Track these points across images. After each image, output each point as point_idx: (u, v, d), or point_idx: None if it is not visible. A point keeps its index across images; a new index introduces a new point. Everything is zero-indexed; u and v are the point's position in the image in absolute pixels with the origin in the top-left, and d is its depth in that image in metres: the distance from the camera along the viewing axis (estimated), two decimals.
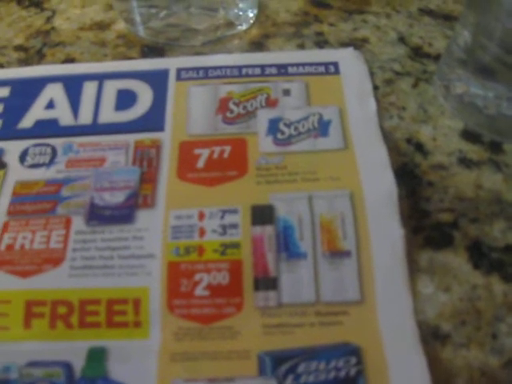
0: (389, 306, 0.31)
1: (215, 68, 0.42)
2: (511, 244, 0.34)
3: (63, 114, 0.40)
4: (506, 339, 0.30)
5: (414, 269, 0.33)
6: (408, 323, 0.30)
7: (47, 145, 0.38)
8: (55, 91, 0.41)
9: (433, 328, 0.31)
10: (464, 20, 0.38)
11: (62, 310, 0.31)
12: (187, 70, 0.42)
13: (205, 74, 0.42)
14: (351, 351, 0.29)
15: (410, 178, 0.37)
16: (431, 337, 0.31)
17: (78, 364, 0.29)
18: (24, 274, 0.32)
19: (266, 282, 0.32)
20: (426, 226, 0.35)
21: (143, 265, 0.33)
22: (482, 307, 0.32)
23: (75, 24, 0.49)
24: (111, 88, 0.41)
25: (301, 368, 0.29)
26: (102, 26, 0.48)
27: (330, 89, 0.40)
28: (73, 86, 0.42)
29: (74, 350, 0.30)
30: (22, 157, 0.38)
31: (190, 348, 0.30)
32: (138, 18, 0.45)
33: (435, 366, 0.29)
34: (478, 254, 0.34)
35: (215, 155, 0.37)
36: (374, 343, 0.29)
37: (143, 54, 0.46)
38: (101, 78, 0.42)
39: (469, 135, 0.39)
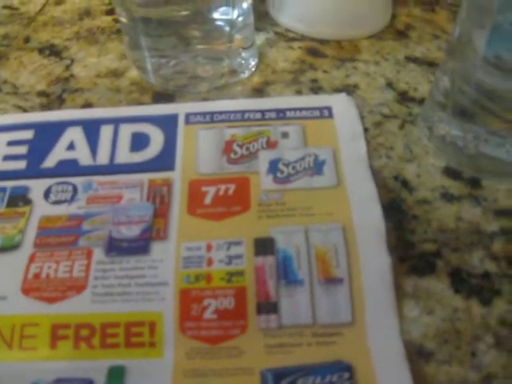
0: (378, 328, 0.32)
1: (220, 113, 0.43)
2: (488, 271, 0.35)
3: (83, 155, 0.41)
4: (484, 356, 0.32)
5: (400, 294, 0.34)
6: (395, 342, 0.31)
7: (69, 183, 0.40)
8: (75, 134, 0.43)
9: (418, 347, 0.32)
10: (444, 66, 0.39)
11: (84, 332, 0.32)
12: (195, 114, 0.43)
13: (211, 118, 0.43)
14: (344, 368, 0.30)
15: (397, 212, 0.38)
16: (416, 355, 0.32)
17: (100, 381, 0.30)
18: (50, 300, 0.33)
19: (268, 306, 0.33)
20: (411, 255, 0.36)
21: (158, 291, 0.33)
22: (462, 328, 0.33)
23: (92, 71, 0.51)
24: (126, 131, 0.43)
25: (299, 383, 0.30)
26: (116, 74, 0.51)
27: (324, 131, 0.42)
28: (91, 129, 0.43)
29: (96, 368, 0.31)
30: (46, 194, 0.39)
31: (200, 366, 0.31)
32: (149, 67, 0.47)
33: (420, 381, 0.30)
34: (459, 280, 0.35)
35: (221, 192, 0.38)
36: (365, 361, 0.30)
37: (154, 100, 0.47)
38: (116, 121, 0.43)
39: (450, 172, 0.41)
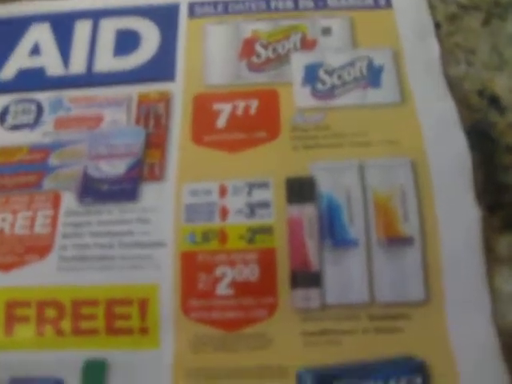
0: (461, 308, 0.28)
1: (236, 1, 0.39)
2: None
3: (51, 62, 0.37)
4: None
5: (491, 259, 0.29)
6: (485, 330, 0.27)
7: (31, 100, 0.35)
8: (41, 33, 0.38)
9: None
10: None
11: (50, 312, 0.28)
12: (202, 4, 0.39)
13: (224, 8, 0.38)
14: (415, 368, 0.26)
15: (484, 141, 0.33)
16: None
17: (73, 381, 0.27)
18: (3, 268, 0.30)
19: (307, 278, 0.29)
20: (507, 203, 0.31)
21: (150, 255, 0.29)
22: None
23: None
24: (109, 28, 0.38)
25: None
26: None
27: (380, 26, 0.37)
28: (62, 27, 0.38)
29: (66, 363, 0.27)
30: (2, 116, 0.35)
31: (211, 362, 0.27)
32: None
33: None
34: None
35: (239, 112, 0.34)
36: (444, 357, 0.27)
37: None
38: (96, 15, 0.39)
39: None
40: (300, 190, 0.30)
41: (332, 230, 0.29)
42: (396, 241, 0.29)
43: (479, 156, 0.32)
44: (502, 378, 0.26)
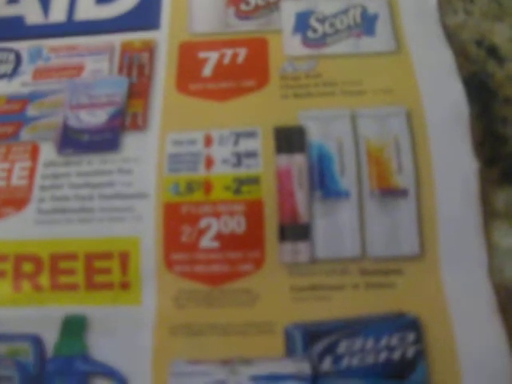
0: (457, 263, 0.27)
1: None
2: None
3: (29, 10, 0.35)
4: None
5: (488, 213, 0.28)
6: (482, 285, 0.27)
7: (9, 50, 0.34)
8: None
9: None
10: None
11: (27, 267, 0.28)
12: None
13: None
14: (408, 324, 0.25)
15: (482, 91, 0.32)
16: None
17: (51, 337, 0.26)
18: None
19: (295, 230, 0.28)
20: (504, 155, 0.30)
21: (132, 207, 0.28)
22: None
23: None
24: None
25: (342, 347, 0.25)
26: None
27: None
28: None
29: (44, 319, 0.27)
30: None
31: (195, 318, 0.26)
32: None
33: None
34: None
35: (226, 60, 0.32)
36: (438, 313, 0.26)
37: None
38: None
39: None
40: (289, 139, 0.29)
41: (322, 180, 0.28)
42: (389, 193, 0.28)
43: (477, 107, 0.31)
44: (499, 333, 0.25)
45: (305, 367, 0.25)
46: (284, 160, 0.29)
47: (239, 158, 0.29)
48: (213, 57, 0.32)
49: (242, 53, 0.32)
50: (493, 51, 0.33)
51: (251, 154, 0.29)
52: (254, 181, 0.28)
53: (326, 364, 0.25)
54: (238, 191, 0.28)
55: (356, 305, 0.26)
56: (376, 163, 0.28)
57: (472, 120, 0.30)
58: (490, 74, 0.33)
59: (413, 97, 0.30)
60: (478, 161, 0.29)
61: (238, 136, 0.29)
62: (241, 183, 0.28)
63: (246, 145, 0.29)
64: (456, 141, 0.29)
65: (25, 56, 0.33)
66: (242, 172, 0.29)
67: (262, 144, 0.29)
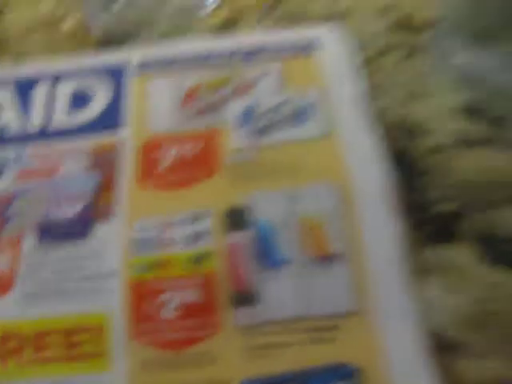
0: (389, 316, 0.28)
1: (179, 58, 0.40)
2: None
3: (11, 120, 0.38)
4: None
5: (416, 270, 0.30)
6: (413, 334, 0.28)
7: None
8: (3, 96, 0.39)
9: (443, 337, 0.28)
10: None
11: (12, 344, 0.29)
12: (147, 62, 0.40)
13: (168, 64, 0.39)
14: (348, 373, 0.27)
15: (406, 165, 0.34)
16: (442, 348, 0.28)
17: None
18: None
19: (246, 297, 0.29)
20: (427, 219, 0.32)
21: (101, 286, 0.30)
22: (501, 309, 0.29)
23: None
24: (65, 88, 0.39)
25: None
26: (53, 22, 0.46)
27: (308, 71, 0.38)
28: (22, 90, 0.39)
29: None
30: None
31: (162, 379, 0.27)
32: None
33: (450, 381, 0.27)
34: (490, 246, 0.31)
35: (180, 155, 0.35)
36: (375, 361, 0.27)
37: (99, 48, 0.43)
38: (53, 78, 0.40)
39: (470, 112, 0.37)
40: (237, 218, 0.31)
41: (267, 252, 0.30)
42: (326, 258, 0.30)
43: (401, 180, 0.33)
44: (433, 378, 0.26)
45: None
46: (233, 236, 0.31)
47: (195, 238, 0.31)
48: (169, 153, 0.34)
49: (194, 147, 0.35)
50: (413, 129, 0.36)
51: (205, 234, 0.31)
52: (208, 256, 0.30)
53: None
54: (194, 267, 0.30)
55: (302, 359, 0.27)
56: (313, 234, 0.30)
57: (397, 191, 0.32)
58: (412, 148, 0.35)
59: (343, 176, 0.32)
60: (403, 225, 0.31)
61: (193, 219, 0.31)
62: (197, 259, 0.30)
63: (200, 226, 0.31)
64: (382, 211, 0.31)
65: (8, 161, 0.35)
66: (198, 249, 0.30)
67: (214, 224, 0.31)
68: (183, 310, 0.29)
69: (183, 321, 0.28)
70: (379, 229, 0.31)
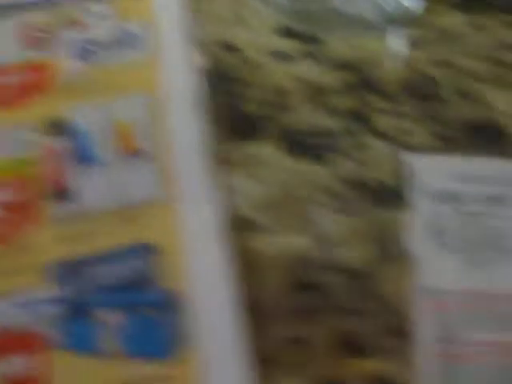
0: (192, 202, 0.30)
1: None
2: (322, 127, 0.34)
3: None
4: (322, 220, 0.30)
5: (222, 162, 0.32)
6: (212, 216, 0.30)
7: None
8: None
9: (242, 218, 0.30)
10: None
11: None
12: None
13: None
14: (146, 250, 0.29)
15: (221, 77, 0.36)
16: (240, 227, 0.30)
17: None
18: None
19: (62, 193, 0.31)
20: (234, 118, 0.34)
21: None
22: (296, 193, 0.31)
23: None
24: None
25: (88, 270, 0.28)
26: None
27: (137, 3, 0.39)
28: None
29: None
30: None
31: None
32: None
33: (246, 255, 0.29)
34: (293, 140, 0.33)
35: (12, 82, 0.36)
36: (174, 241, 0.29)
37: None
38: None
39: (284, 31, 0.38)
40: (58, 128, 0.33)
41: (83, 155, 0.32)
42: (133, 156, 0.32)
43: (214, 89, 0.34)
44: (224, 251, 0.28)
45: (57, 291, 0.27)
46: (54, 143, 0.32)
47: (21, 146, 0.32)
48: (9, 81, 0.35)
49: (28, 74, 0.36)
50: (230, 47, 0.37)
51: (30, 142, 0.32)
52: (31, 161, 0.32)
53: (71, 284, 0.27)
54: (16, 169, 0.31)
55: (110, 242, 0.29)
56: (124, 136, 0.33)
57: (211, 98, 0.34)
58: (228, 63, 0.37)
59: (157, 88, 0.34)
60: (211, 125, 0.32)
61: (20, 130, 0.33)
62: (20, 163, 0.32)
63: (26, 136, 0.32)
64: (190, 113, 0.33)
65: None
66: (23, 155, 0.32)
67: (39, 134, 0.33)
68: (3, 206, 0.30)
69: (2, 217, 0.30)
70: (186, 129, 0.33)
